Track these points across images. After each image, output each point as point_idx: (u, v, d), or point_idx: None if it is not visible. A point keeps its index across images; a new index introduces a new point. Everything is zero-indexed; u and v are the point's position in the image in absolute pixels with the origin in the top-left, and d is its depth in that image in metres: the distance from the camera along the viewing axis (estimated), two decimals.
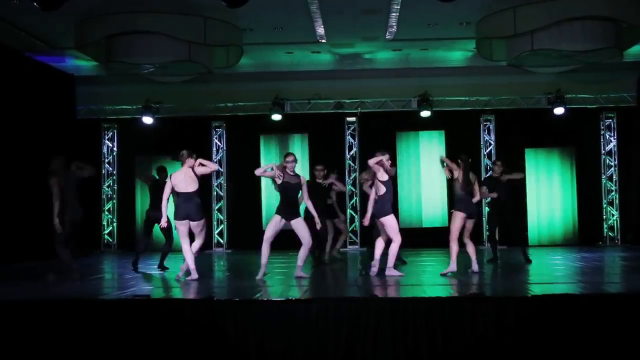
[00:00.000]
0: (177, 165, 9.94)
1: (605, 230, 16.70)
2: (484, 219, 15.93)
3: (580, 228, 16.80)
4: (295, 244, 9.64)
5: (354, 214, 16.86)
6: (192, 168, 9.63)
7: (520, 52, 12.38)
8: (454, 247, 9.83)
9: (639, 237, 15.65)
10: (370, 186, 9.91)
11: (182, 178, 9.54)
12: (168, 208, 9.87)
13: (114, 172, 17.39)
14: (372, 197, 9.64)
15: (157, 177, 11.87)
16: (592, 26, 11.75)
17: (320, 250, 11.73)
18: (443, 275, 9.65)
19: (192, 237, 9.69)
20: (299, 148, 16.86)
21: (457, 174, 10.01)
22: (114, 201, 17.32)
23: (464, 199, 9.92)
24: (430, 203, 16.89)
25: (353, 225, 16.86)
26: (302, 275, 9.58)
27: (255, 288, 8.57)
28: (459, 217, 9.86)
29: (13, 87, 13.33)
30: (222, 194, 17.06)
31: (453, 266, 9.75)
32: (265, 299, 7.26)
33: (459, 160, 10.15)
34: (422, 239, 15.48)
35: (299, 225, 9.43)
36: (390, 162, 9.72)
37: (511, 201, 12.01)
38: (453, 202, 10.40)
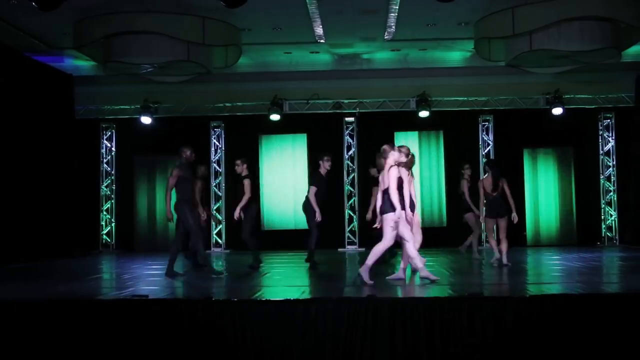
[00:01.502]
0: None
1: (604, 230, 16.72)
2: None
3: (579, 228, 16.81)
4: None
5: (352, 214, 16.86)
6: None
7: (518, 53, 12.39)
8: (492, 243, 11.50)
9: (637, 237, 15.65)
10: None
11: None
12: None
13: (112, 172, 17.39)
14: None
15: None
16: (590, 26, 11.77)
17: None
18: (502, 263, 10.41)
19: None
20: (298, 148, 16.87)
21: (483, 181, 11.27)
22: (112, 201, 17.32)
23: (491, 202, 11.07)
24: (429, 203, 16.90)
25: (352, 225, 16.86)
26: (428, 275, 8.90)
27: (254, 288, 8.57)
28: (487, 221, 11.44)
29: (12, 87, 13.31)
30: (220, 194, 17.05)
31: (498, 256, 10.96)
32: (264, 299, 7.25)
33: (486, 166, 11.54)
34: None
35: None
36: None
37: None
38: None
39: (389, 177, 8.61)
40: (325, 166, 11.57)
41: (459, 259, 12.88)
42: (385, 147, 8.89)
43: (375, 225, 8.93)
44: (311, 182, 11.52)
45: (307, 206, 11.42)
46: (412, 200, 9.04)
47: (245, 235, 11.22)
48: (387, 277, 9.34)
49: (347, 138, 17.08)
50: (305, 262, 11.48)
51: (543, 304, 6.89)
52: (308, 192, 11.53)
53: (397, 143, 16.91)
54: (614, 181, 16.72)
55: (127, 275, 10.57)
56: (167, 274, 10.10)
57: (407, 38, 13.84)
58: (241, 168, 11.37)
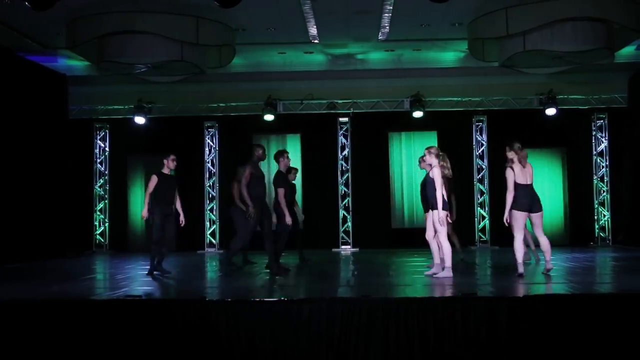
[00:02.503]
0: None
1: (597, 230, 16.75)
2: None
3: (572, 228, 16.85)
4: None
5: (346, 214, 16.87)
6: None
7: (512, 53, 12.41)
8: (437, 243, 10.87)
9: (630, 238, 15.69)
10: None
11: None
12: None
13: (106, 172, 17.35)
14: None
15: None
16: (583, 27, 11.80)
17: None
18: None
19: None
20: (292, 148, 16.81)
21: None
22: (106, 201, 17.28)
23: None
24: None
25: (346, 225, 16.86)
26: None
27: (248, 288, 8.56)
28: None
29: (4, 87, 13.28)
30: (214, 194, 17.04)
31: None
32: (258, 299, 7.25)
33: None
34: (413, 239, 15.46)
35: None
36: None
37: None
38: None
39: (531, 173, 9.39)
40: (285, 163, 10.93)
41: (453, 259, 12.87)
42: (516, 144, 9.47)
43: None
44: (276, 184, 10.65)
45: (274, 209, 10.58)
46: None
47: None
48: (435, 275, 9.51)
49: (341, 138, 17.08)
50: (266, 268, 10.54)
51: (536, 304, 6.90)
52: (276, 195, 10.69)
53: (390, 143, 17.06)
54: (607, 181, 16.77)
55: (121, 275, 10.54)
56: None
57: (401, 38, 13.85)
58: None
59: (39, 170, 14.26)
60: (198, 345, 6.83)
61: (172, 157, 10.72)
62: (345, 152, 17.03)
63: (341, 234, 16.82)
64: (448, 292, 7.95)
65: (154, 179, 10.44)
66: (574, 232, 16.82)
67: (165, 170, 10.63)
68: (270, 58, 15.33)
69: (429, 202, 9.58)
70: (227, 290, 8.69)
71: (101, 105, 16.75)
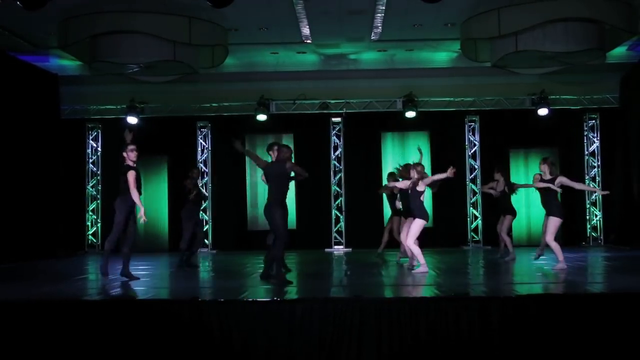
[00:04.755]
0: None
1: (589, 230, 16.81)
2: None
3: (564, 228, 16.77)
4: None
5: (339, 214, 16.87)
6: None
7: (504, 53, 12.45)
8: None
9: (622, 238, 15.75)
10: None
11: None
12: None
13: (98, 172, 17.31)
14: None
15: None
16: (575, 28, 11.86)
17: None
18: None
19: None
20: None
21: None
22: (98, 201, 17.24)
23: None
24: None
25: (339, 225, 16.86)
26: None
27: (240, 288, 8.56)
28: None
29: None
30: (206, 194, 17.03)
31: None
32: (250, 300, 7.25)
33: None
34: None
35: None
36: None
37: None
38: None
39: None
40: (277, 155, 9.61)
41: (446, 259, 12.91)
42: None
43: None
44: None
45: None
46: None
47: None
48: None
49: (333, 138, 17.09)
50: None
51: (529, 304, 6.92)
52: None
53: (382, 143, 17.06)
54: (598, 181, 16.82)
55: (113, 275, 10.49)
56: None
57: (394, 38, 13.88)
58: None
59: (31, 170, 14.22)
60: (191, 345, 6.83)
61: (130, 147, 9.72)
62: (338, 152, 17.04)
63: (334, 234, 16.83)
64: (440, 293, 7.96)
65: (134, 173, 9.61)
66: (566, 232, 16.78)
67: (129, 163, 9.71)
68: (262, 58, 15.33)
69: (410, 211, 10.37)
70: (220, 290, 8.68)
71: (93, 105, 16.72)
